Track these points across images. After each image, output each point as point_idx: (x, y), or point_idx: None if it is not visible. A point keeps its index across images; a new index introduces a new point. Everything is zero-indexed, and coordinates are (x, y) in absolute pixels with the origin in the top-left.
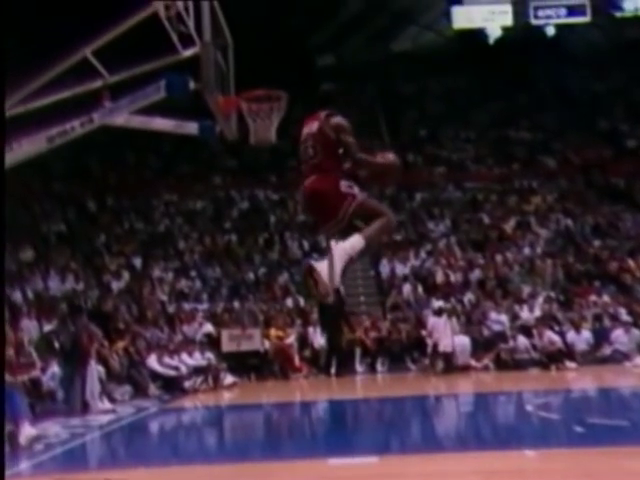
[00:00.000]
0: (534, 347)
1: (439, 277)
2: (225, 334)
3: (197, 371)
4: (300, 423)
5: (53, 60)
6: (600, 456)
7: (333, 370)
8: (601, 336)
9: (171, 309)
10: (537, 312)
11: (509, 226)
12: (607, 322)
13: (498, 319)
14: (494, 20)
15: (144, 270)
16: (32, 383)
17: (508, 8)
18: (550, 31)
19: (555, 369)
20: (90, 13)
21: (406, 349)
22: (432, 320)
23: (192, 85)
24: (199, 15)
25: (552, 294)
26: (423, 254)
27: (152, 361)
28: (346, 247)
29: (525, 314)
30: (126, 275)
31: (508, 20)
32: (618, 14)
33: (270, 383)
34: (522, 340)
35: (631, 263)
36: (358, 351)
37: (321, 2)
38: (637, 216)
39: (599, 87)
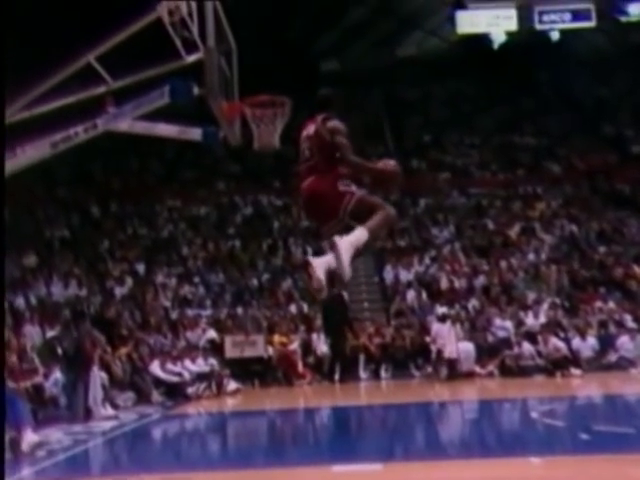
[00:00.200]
0: (539, 354)
1: (443, 283)
2: (228, 340)
3: (200, 377)
4: (304, 430)
5: (57, 66)
6: (606, 463)
7: (337, 376)
8: (606, 343)
9: (174, 315)
10: (542, 318)
11: (514, 232)
12: (612, 329)
13: (503, 325)
14: (498, 25)
15: (147, 276)
16: (35, 389)
17: (513, 13)
18: (555, 36)
19: (560, 376)
20: (94, 19)
21: (410, 355)
22: (436, 326)
23: (196, 91)
24: (203, 20)
25: (557, 300)
26: (427, 260)
27: (155, 367)
28: (351, 240)
29: (530, 320)
30: (129, 281)
31: (513, 25)
32: (623, 19)
33: (274, 389)
34: (527, 346)
35: (636, 269)
36: (362, 357)
37: (325, 7)
38: None
39: (604, 92)
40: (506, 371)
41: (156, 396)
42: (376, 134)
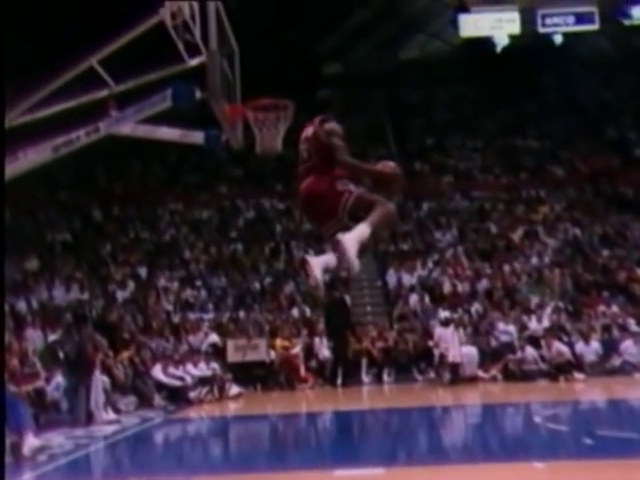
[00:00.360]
0: (542, 358)
1: (446, 287)
2: (231, 344)
3: (202, 381)
4: (306, 434)
5: (59, 69)
6: (610, 468)
7: (339, 381)
8: (610, 347)
9: (176, 319)
10: (545, 323)
11: (517, 236)
12: (616, 333)
13: (506, 329)
14: (501, 28)
15: (149, 280)
16: (36, 393)
17: (516, 16)
18: (558, 39)
19: (564, 380)
20: (96, 22)
21: (413, 360)
22: (439, 330)
23: (198, 94)
24: (205, 24)
25: (560, 304)
26: (430, 264)
27: (157, 371)
28: (355, 236)
29: (533, 325)
30: (131, 285)
31: (516, 28)
32: (627, 22)
33: (276, 394)
34: (530, 351)
35: None
36: (364, 361)
37: (328, 10)
38: None
39: (607, 95)
40: (509, 375)
41: (158, 400)
42: (378, 137)
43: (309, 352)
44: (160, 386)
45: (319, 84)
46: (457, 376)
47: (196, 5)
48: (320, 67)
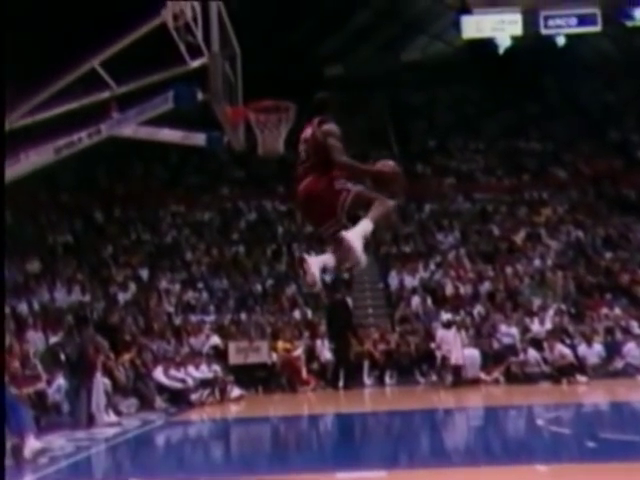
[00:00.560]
0: (545, 360)
1: (448, 289)
2: (232, 346)
3: (204, 384)
4: (308, 436)
5: (61, 71)
6: (613, 471)
7: (341, 383)
8: (613, 349)
9: (178, 321)
10: (548, 325)
11: (519, 238)
12: (619, 335)
13: (508, 332)
14: (504, 30)
15: (151, 281)
16: (37, 396)
17: (518, 17)
18: (560, 41)
19: (566, 383)
20: (98, 24)
21: (415, 362)
22: (441, 333)
23: (200, 96)
24: (207, 25)
25: (563, 307)
26: (432, 266)
27: (158, 373)
28: (358, 231)
29: (536, 327)
30: (133, 286)
31: (518, 30)
32: (629, 23)
33: (277, 396)
34: (533, 353)
35: None
36: (366, 364)
37: (330, 12)
38: None
39: (610, 97)
40: (511, 378)
41: (159, 402)
42: (381, 139)
43: (311, 354)
44: (161, 388)
45: (321, 86)
46: (459, 378)
47: (198, 7)
48: (322, 69)
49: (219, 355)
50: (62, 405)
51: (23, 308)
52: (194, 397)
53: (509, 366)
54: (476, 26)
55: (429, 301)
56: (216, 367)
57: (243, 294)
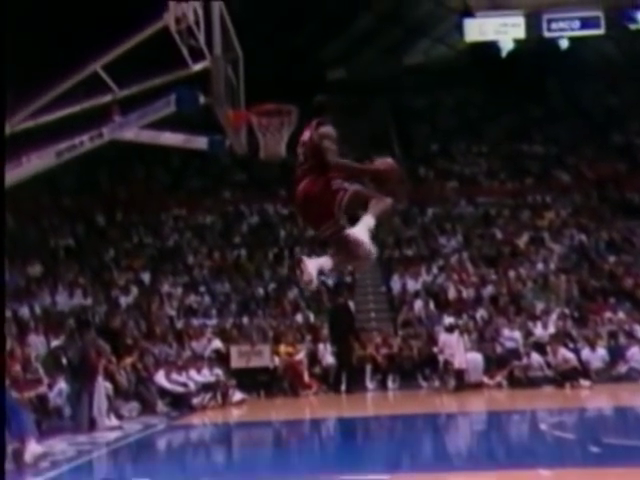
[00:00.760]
0: (548, 365)
1: (451, 293)
2: (234, 350)
3: (205, 388)
4: (310, 441)
5: (63, 75)
6: (616, 476)
7: (343, 387)
8: (616, 354)
9: (180, 325)
10: (551, 329)
11: (522, 241)
12: (622, 339)
13: (511, 336)
14: (506, 33)
15: (153, 285)
16: (39, 400)
17: (521, 20)
18: (563, 44)
19: (569, 387)
20: (100, 27)
21: (417, 366)
22: (443, 337)
23: (202, 99)
24: (210, 29)
25: (566, 311)
26: (435, 270)
27: (160, 377)
28: (363, 226)
29: (539, 331)
30: (134, 290)
31: (521, 32)
32: (632, 26)
33: (279, 400)
34: (536, 357)
35: None
36: (369, 368)
37: (332, 16)
38: None
39: (613, 100)
40: (515, 382)
41: (161, 406)
42: (383, 142)
43: (313, 358)
44: (163, 392)
45: (323, 89)
46: (462, 382)
47: (200, 10)
48: (324, 72)
49: (221, 359)
50: (63, 409)
51: (25, 312)
52: (196, 401)
53: (512, 370)
54: (479, 29)
55: (432, 305)
56: (218, 371)
57: (245, 298)
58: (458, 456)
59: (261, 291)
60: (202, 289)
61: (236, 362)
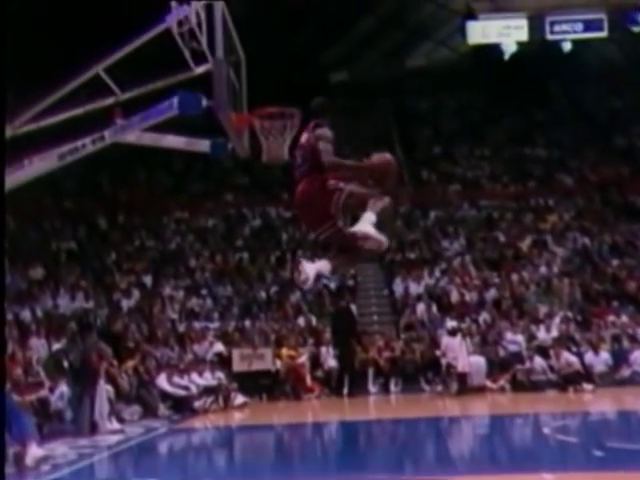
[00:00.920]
0: (551, 368)
1: (454, 296)
2: (236, 353)
3: (207, 391)
4: (312, 444)
5: (65, 78)
6: None
7: (345, 390)
8: (620, 357)
9: (181, 328)
10: (554, 332)
11: (525, 245)
12: (626, 343)
13: (514, 339)
14: (509, 35)
15: (154, 288)
16: (40, 403)
17: (524, 23)
18: (566, 46)
19: (573, 391)
20: (102, 30)
21: (420, 369)
22: (446, 340)
23: (204, 102)
24: (212, 32)
25: (569, 314)
26: (437, 273)
27: (162, 381)
28: (365, 221)
29: (542, 334)
30: (136, 293)
31: (524, 35)
32: (636, 29)
33: (281, 403)
34: (539, 361)
35: None
36: (371, 371)
37: (334, 18)
38: None
39: (616, 103)
40: (518, 386)
41: (163, 410)
42: (386, 145)
43: (315, 361)
44: (165, 395)
45: (326, 92)
46: (465, 386)
47: (203, 13)
48: (327, 75)
49: (223, 362)
50: (65, 412)
51: (26, 315)
52: (197, 404)
53: (515, 374)
54: (482, 32)
55: (434, 308)
56: (220, 374)
57: (247, 301)
58: (461, 460)
59: (263, 294)
60: (204, 292)
61: (238, 365)
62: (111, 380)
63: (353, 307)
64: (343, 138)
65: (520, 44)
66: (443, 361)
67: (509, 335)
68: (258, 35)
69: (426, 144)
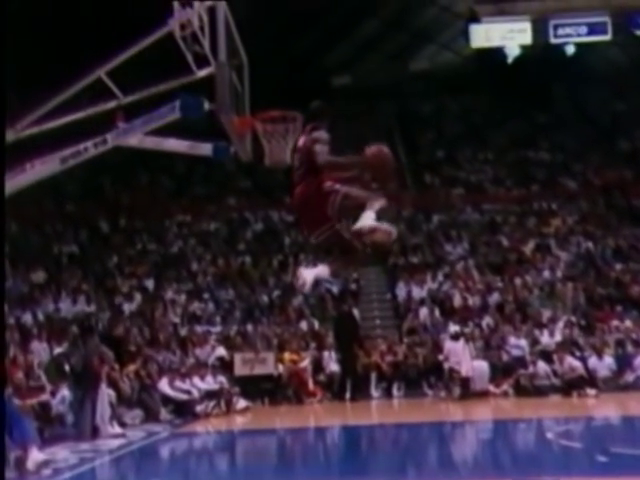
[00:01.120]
0: (554, 373)
1: (457, 301)
2: (238, 357)
3: (209, 395)
4: (314, 449)
5: (67, 81)
6: None
7: (348, 395)
8: (624, 362)
9: (183, 332)
10: (557, 337)
11: (528, 249)
12: (630, 348)
13: (517, 344)
14: (513, 38)
15: (156, 292)
16: (41, 407)
17: (527, 26)
18: (570, 50)
19: (576, 396)
20: (104, 33)
21: (423, 374)
22: (449, 344)
23: (207, 106)
24: (214, 35)
25: (573, 318)
26: (440, 277)
27: (163, 385)
28: (365, 217)
29: (545, 339)
30: (138, 297)
31: (527, 38)
32: (639, 32)
33: (284, 408)
34: (542, 366)
35: None
36: (374, 375)
37: (337, 22)
38: None
39: (620, 107)
40: (521, 391)
41: (164, 414)
42: (388, 149)
43: (317, 366)
44: (166, 400)
45: (328, 95)
46: (467, 391)
47: (205, 16)
48: (330, 78)
49: (225, 366)
50: (66, 416)
51: (27, 318)
52: (199, 408)
53: (518, 379)
54: (485, 35)
55: (437, 312)
56: (222, 378)
57: (249, 305)
58: (463, 465)
59: (265, 298)
60: (206, 296)
61: (240, 369)
62: (113, 384)
63: (356, 311)
64: (345, 142)
65: (523, 47)
66: (446, 365)
67: (512, 339)
68: (261, 38)
69: (429, 148)
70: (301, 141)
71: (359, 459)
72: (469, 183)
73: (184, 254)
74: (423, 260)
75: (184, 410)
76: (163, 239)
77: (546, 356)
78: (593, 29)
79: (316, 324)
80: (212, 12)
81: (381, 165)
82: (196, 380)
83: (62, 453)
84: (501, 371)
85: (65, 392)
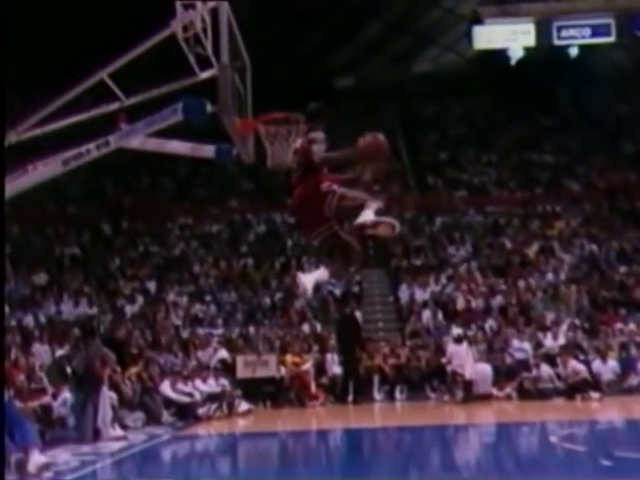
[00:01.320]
0: (558, 376)
1: (460, 303)
2: (240, 360)
3: (211, 398)
4: (316, 452)
5: (70, 83)
6: None
7: (350, 398)
8: (628, 365)
9: (185, 334)
10: (561, 340)
11: (532, 251)
12: (634, 351)
13: (521, 347)
14: (516, 40)
15: (158, 294)
16: (43, 410)
17: (531, 28)
18: (573, 51)
19: (580, 399)
20: (106, 35)
21: (425, 377)
22: (452, 347)
23: (209, 108)
24: (217, 37)
25: (577, 321)
26: (443, 279)
27: (165, 387)
28: (366, 213)
29: (549, 342)
30: (140, 299)
31: (531, 40)
32: None
33: (286, 410)
34: (546, 369)
35: None
36: (376, 378)
37: (340, 23)
38: None
39: (624, 109)
40: (524, 394)
41: (166, 417)
42: (391, 151)
43: (320, 368)
44: (168, 402)
45: (331, 97)
46: (470, 394)
47: (208, 18)
48: (332, 80)
49: (227, 369)
50: (67, 419)
51: (29, 321)
52: (201, 411)
53: (521, 382)
54: (488, 37)
55: (440, 315)
56: (224, 381)
57: (251, 307)
58: (466, 468)
59: (268, 301)
60: (208, 298)
61: (242, 372)
62: (114, 386)
63: (358, 314)
64: (348, 143)
65: (527, 49)
66: (449, 368)
67: (515, 342)
68: (264, 40)
69: (432, 149)
70: (298, 143)
71: (361, 462)
72: (472, 185)
73: (186, 256)
74: (426, 262)
75: (186, 413)
76: (165, 241)
77: (550, 359)
78: (597, 31)
79: (318, 327)
80: (215, 14)
81: (377, 152)
82: (198, 383)
83: (63, 456)
84: (504, 374)
85: (67, 395)
